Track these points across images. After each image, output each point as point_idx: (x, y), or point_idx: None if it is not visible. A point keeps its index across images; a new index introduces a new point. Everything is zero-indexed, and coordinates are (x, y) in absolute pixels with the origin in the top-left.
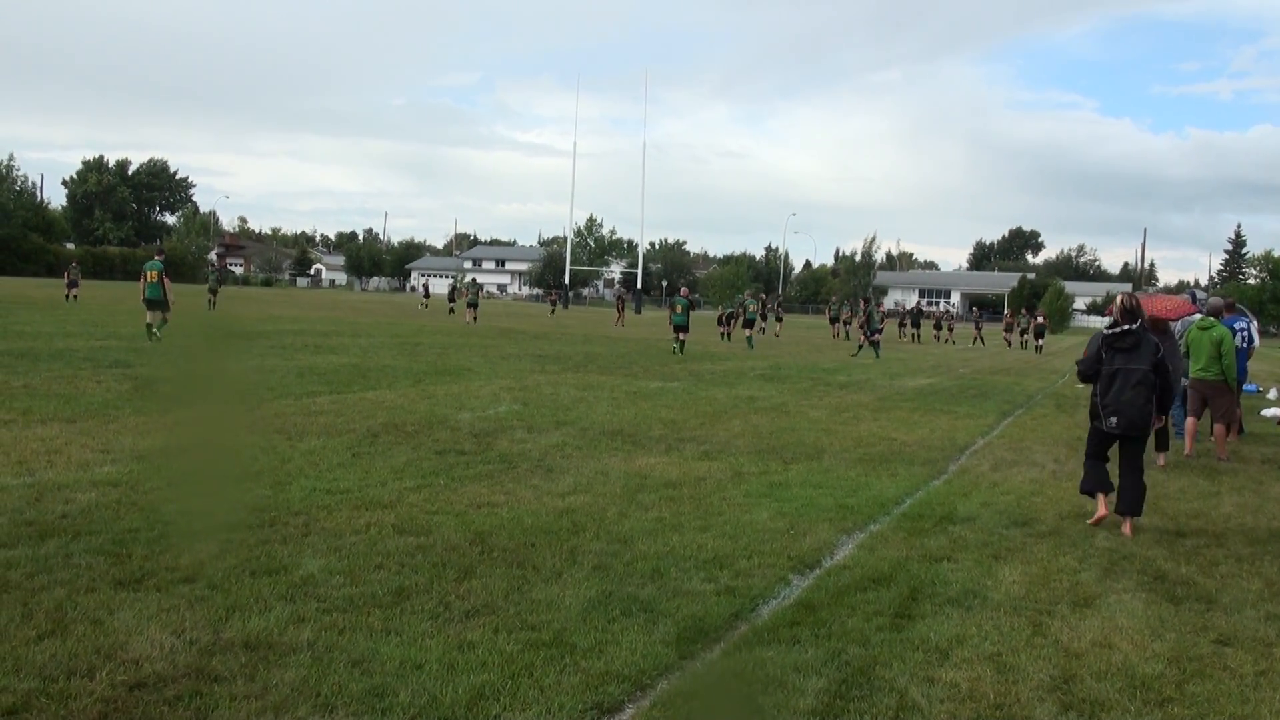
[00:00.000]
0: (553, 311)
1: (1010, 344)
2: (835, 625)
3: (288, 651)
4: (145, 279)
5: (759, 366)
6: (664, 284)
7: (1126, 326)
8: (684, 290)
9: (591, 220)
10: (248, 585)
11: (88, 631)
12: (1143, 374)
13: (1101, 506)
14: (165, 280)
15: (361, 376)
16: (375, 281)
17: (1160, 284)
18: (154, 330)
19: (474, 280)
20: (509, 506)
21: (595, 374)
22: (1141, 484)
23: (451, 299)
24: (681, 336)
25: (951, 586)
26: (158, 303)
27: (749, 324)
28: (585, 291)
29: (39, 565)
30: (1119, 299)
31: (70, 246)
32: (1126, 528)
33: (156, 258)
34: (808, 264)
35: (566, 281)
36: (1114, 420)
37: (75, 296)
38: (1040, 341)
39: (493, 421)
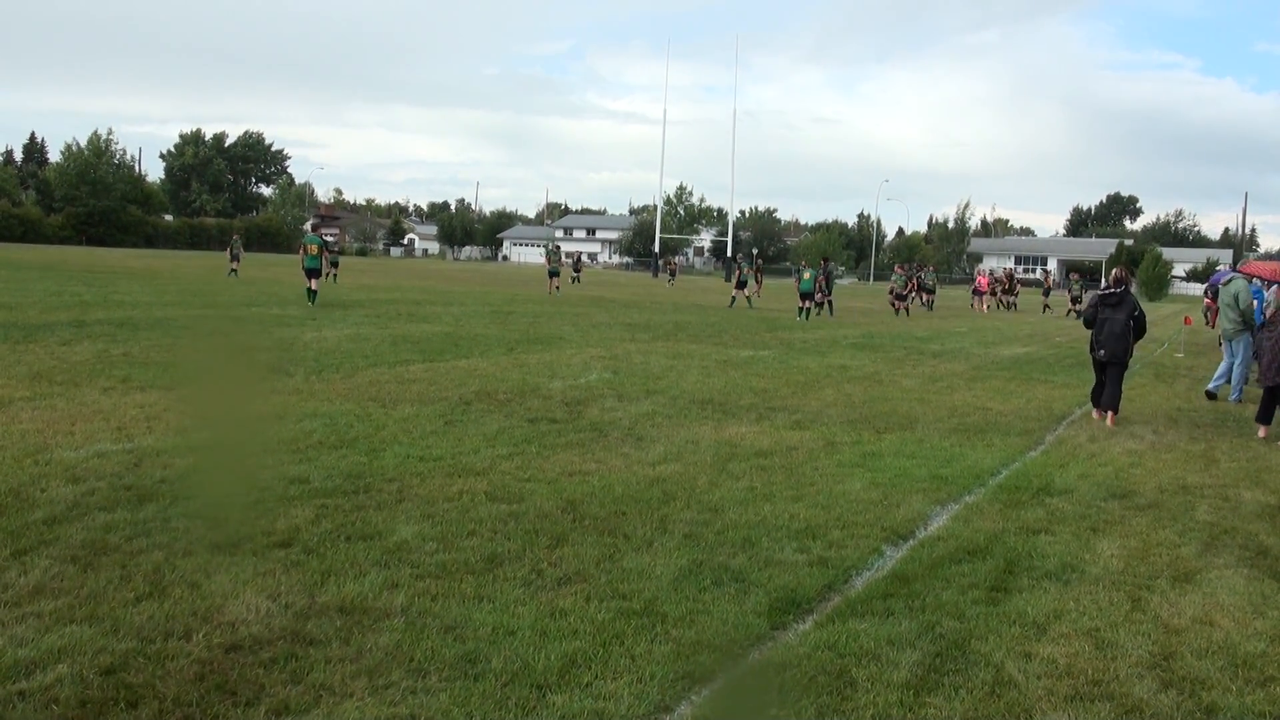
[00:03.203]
0: (671, 280)
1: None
2: (929, 598)
3: (381, 616)
4: (305, 251)
5: (851, 335)
6: (754, 252)
7: (1115, 290)
8: (821, 260)
9: (681, 188)
10: (342, 550)
11: (185, 594)
12: (1122, 322)
13: (1095, 413)
14: (324, 252)
15: (454, 345)
16: (468, 251)
17: (1261, 249)
18: (314, 295)
19: (557, 247)
20: (600, 475)
21: (685, 342)
22: (1118, 392)
23: (564, 272)
24: (807, 303)
25: (1048, 560)
26: (316, 272)
27: (900, 297)
28: (675, 259)
29: (138, 529)
30: (1114, 272)
31: (169, 219)
32: (1109, 419)
33: (314, 232)
34: (900, 231)
35: (656, 249)
36: (1101, 352)
37: (235, 272)
38: (1079, 307)
39: (584, 390)
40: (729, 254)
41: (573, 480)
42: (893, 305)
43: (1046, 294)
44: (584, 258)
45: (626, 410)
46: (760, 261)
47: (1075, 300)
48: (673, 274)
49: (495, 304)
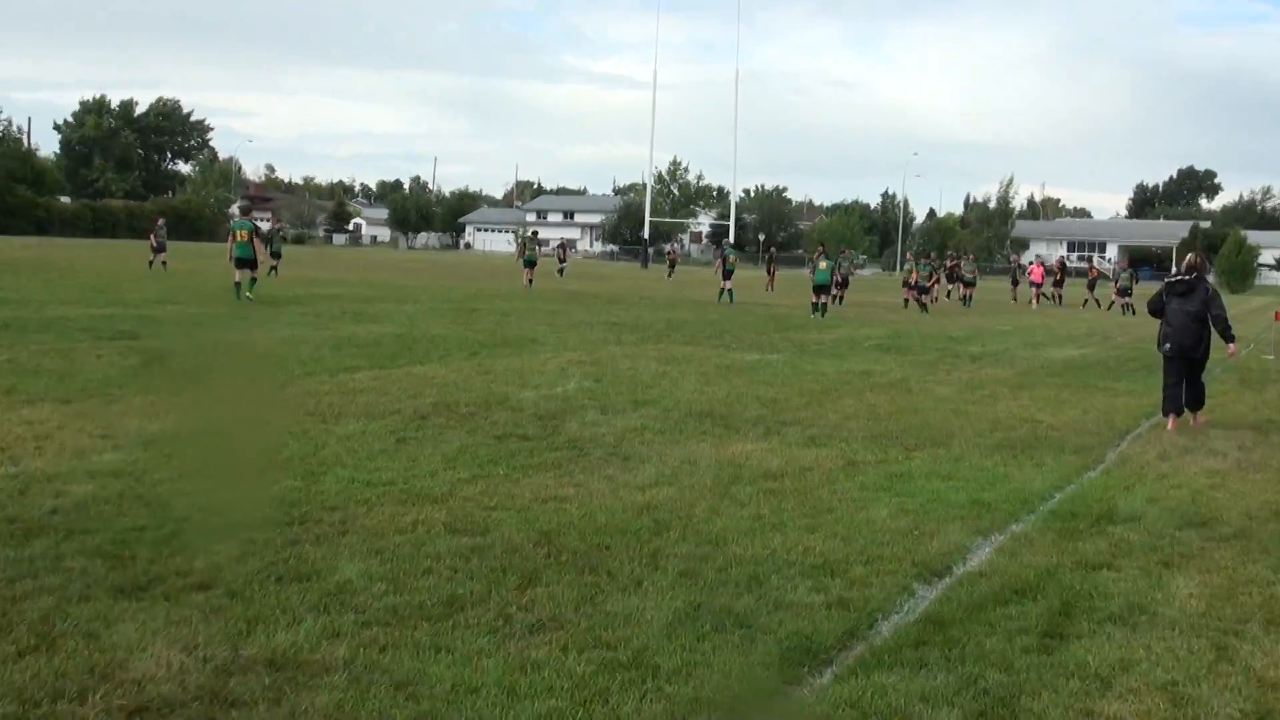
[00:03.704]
0: (670, 273)
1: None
2: (970, 646)
3: (320, 671)
4: (234, 238)
5: (875, 335)
6: (760, 237)
7: (1184, 277)
8: (841, 249)
9: (675, 164)
10: (273, 593)
11: (80, 647)
12: (1194, 313)
13: (1169, 423)
14: (256, 239)
15: (407, 349)
16: (424, 238)
17: None
18: (245, 291)
19: (534, 234)
20: (580, 501)
21: (680, 345)
22: (1201, 390)
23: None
24: (823, 298)
25: (1113, 600)
26: (248, 261)
27: (924, 290)
28: (674, 247)
29: (23, 569)
30: (1188, 258)
31: (65, 201)
32: (1196, 419)
33: (245, 217)
34: (932, 213)
35: (646, 235)
36: (1168, 346)
37: (164, 263)
38: (1127, 300)
39: (560, 401)
40: (727, 240)
41: (547, 508)
42: (905, 298)
43: (1092, 286)
44: (568, 245)
45: (611, 425)
46: (774, 250)
47: (1122, 293)
48: (672, 265)
49: (456, 300)
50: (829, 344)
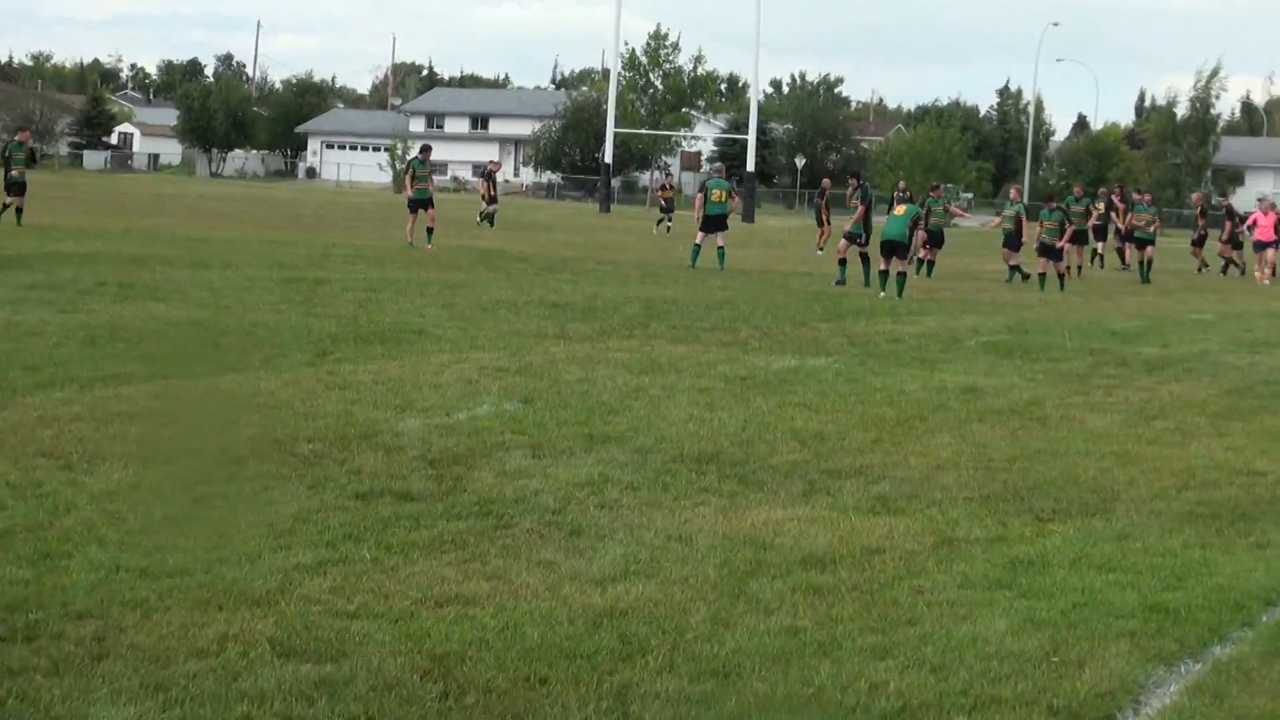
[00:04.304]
0: (666, 223)
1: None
2: None
3: None
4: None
5: (986, 327)
6: (797, 161)
7: None
8: (930, 189)
9: (658, 38)
10: None
11: None
12: None
13: None
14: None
15: (212, 345)
16: (239, 159)
17: None
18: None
19: (425, 153)
20: (498, 605)
21: (666, 341)
22: None
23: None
24: (898, 264)
25: None
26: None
27: (1050, 253)
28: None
29: None
30: None
31: None
32: None
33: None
34: (1081, 122)
35: (608, 158)
36: None
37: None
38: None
39: (466, 435)
40: (715, 164)
41: (443, 616)
42: (1011, 267)
43: (1237, 244)
44: (494, 175)
45: (550, 476)
46: (828, 185)
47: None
48: (667, 209)
49: (293, 264)
50: (910, 341)
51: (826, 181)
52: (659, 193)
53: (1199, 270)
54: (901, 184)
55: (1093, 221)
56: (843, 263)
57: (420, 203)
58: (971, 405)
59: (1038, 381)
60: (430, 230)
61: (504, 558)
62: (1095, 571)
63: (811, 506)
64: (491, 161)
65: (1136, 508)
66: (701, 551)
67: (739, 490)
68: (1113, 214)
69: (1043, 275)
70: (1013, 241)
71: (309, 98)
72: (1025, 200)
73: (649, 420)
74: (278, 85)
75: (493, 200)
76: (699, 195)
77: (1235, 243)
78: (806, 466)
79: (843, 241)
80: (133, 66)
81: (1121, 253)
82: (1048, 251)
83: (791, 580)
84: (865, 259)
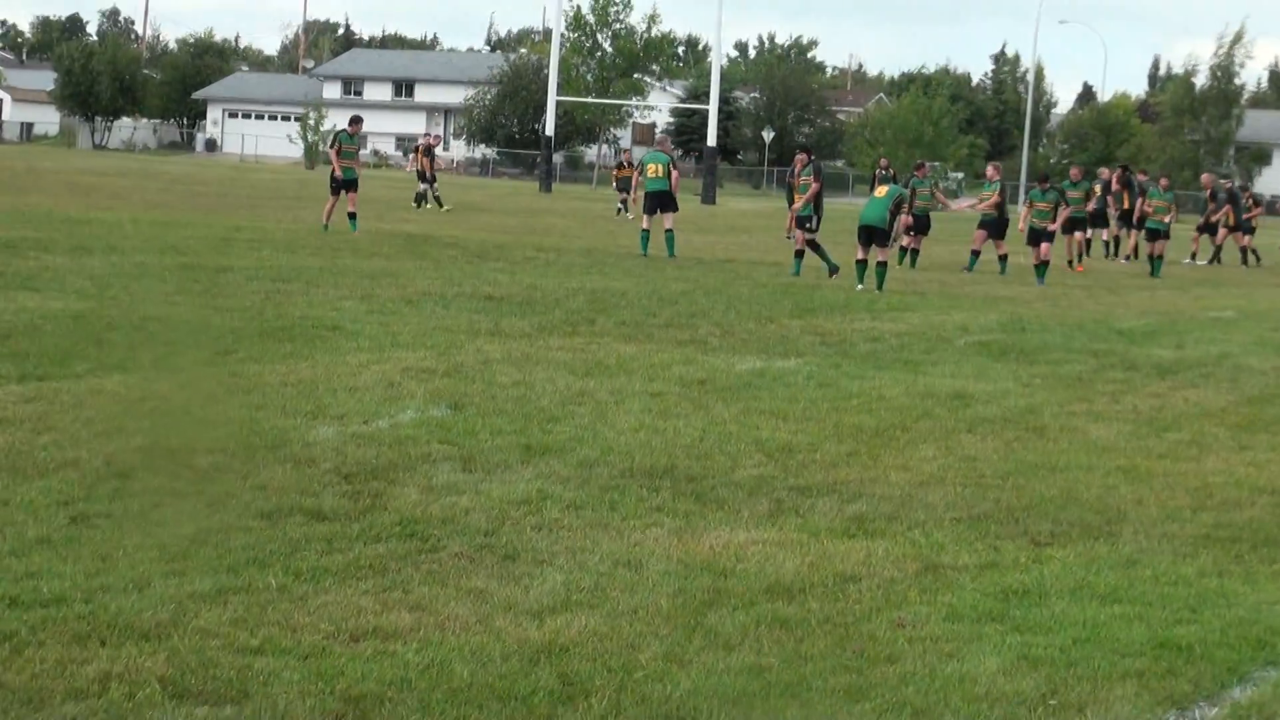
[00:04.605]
0: (625, 211)
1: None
2: None
3: None
4: None
5: (977, 324)
6: (765, 134)
7: None
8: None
9: None
10: None
11: None
12: None
13: None
14: None
15: (95, 342)
16: (127, 129)
17: None
18: None
19: (356, 125)
20: (423, 639)
21: (615, 339)
22: None
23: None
24: (878, 252)
25: None
26: None
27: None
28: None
29: None
30: None
31: None
32: None
33: None
34: (1087, 92)
35: (549, 130)
36: None
37: None
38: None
39: (387, 445)
40: (663, 135)
41: (359, 652)
42: (1000, 257)
43: (1249, 229)
44: (431, 150)
45: (482, 492)
46: (808, 159)
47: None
48: (626, 188)
49: (189, 249)
50: (891, 341)
51: (800, 157)
52: (616, 172)
53: (1191, 259)
54: (883, 161)
55: (1091, 206)
56: (799, 254)
57: (347, 183)
58: (960, 413)
59: (1035, 387)
60: (353, 215)
61: (429, 585)
62: (1098, 603)
63: (778, 528)
64: (431, 135)
65: (1146, 530)
66: (653, 579)
67: (696, 509)
68: (1109, 198)
69: (1040, 265)
70: (992, 226)
71: (208, 59)
72: (1024, 180)
73: (594, 429)
74: (172, 45)
75: (432, 179)
76: (635, 173)
77: (1245, 228)
78: (773, 482)
79: (798, 232)
80: (2, 23)
81: (1117, 241)
82: (1037, 236)
83: (755, 612)
84: (815, 246)
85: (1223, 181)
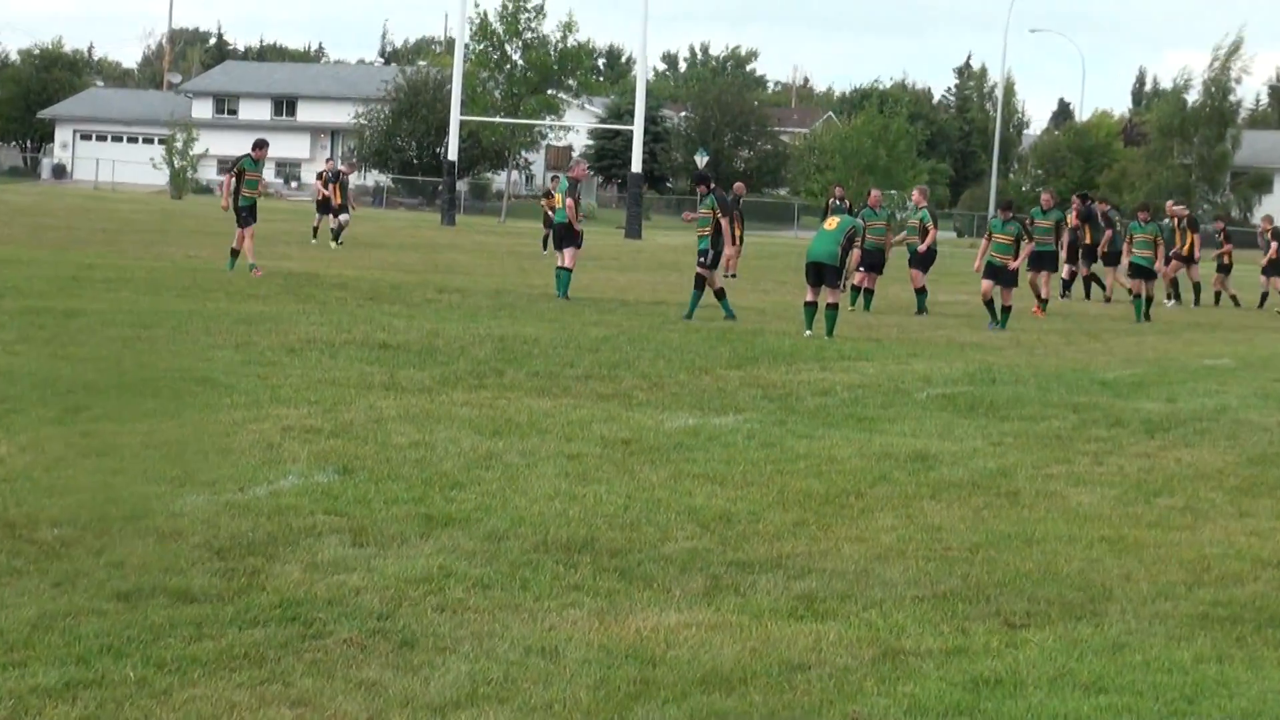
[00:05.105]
0: (547, 244)
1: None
2: None
3: None
4: None
5: (943, 374)
6: (698, 159)
7: None
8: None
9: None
10: None
11: None
12: None
13: None
14: None
15: None
16: None
17: None
18: None
19: (260, 151)
20: None
21: (528, 394)
22: None
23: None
24: (828, 294)
25: None
26: None
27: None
28: (500, 179)
29: None
30: None
31: None
32: None
33: None
34: (1064, 110)
35: (451, 156)
36: None
37: None
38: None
39: (267, 516)
40: (577, 159)
41: None
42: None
43: (1224, 269)
44: (342, 170)
45: (376, 568)
46: (742, 190)
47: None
48: (550, 234)
49: (33, 290)
50: (843, 394)
51: (739, 187)
52: (544, 202)
53: (1167, 297)
54: (837, 190)
55: (1064, 239)
56: (720, 293)
57: (247, 212)
58: (922, 477)
59: (1007, 446)
60: (236, 252)
61: (314, 677)
62: (1082, 693)
63: (715, 609)
64: (346, 163)
65: (1135, 610)
66: (571, 668)
67: (620, 588)
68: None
69: (1005, 309)
70: (919, 260)
71: (57, 73)
72: (991, 211)
73: (504, 496)
74: (14, 56)
75: (341, 210)
76: (543, 201)
77: (1221, 267)
78: (708, 557)
79: (715, 274)
80: None
81: (1082, 280)
82: (997, 274)
83: (688, 705)
84: (700, 283)
85: (1177, 208)
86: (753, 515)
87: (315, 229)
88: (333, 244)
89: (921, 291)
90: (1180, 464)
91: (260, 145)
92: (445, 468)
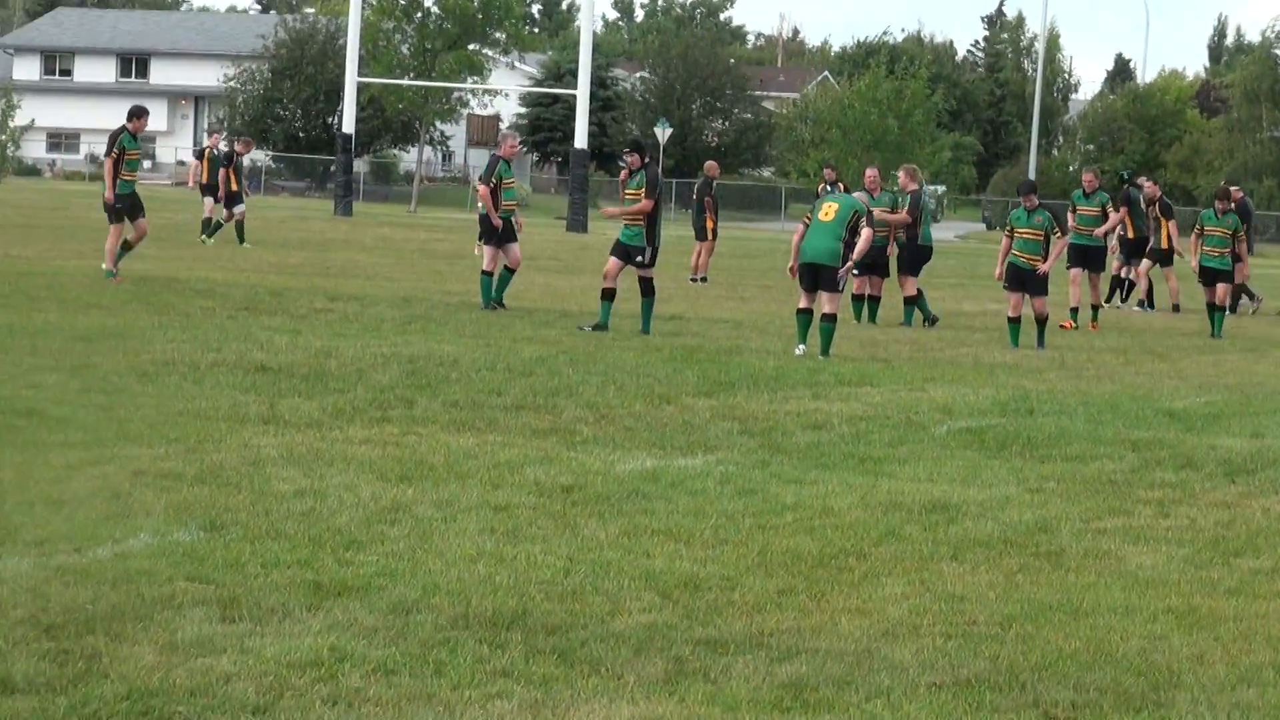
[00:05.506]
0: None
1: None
2: None
3: None
4: None
5: (967, 402)
6: (659, 131)
7: None
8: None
9: None
10: None
11: None
12: None
13: None
14: None
15: None
16: None
17: None
18: None
19: (138, 120)
20: None
21: (443, 428)
22: None
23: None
24: (824, 302)
25: None
26: None
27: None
28: (410, 157)
29: None
30: None
31: None
32: None
33: None
34: (1122, 70)
35: (347, 128)
36: None
37: None
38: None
39: (112, 584)
40: (508, 131)
41: None
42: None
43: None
44: (238, 150)
45: (252, 649)
46: (714, 170)
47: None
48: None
49: None
50: (841, 428)
51: (711, 167)
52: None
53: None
54: (828, 172)
55: (1105, 229)
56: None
57: (134, 202)
58: (941, 533)
59: (1048, 493)
60: (129, 245)
61: None
62: None
63: (679, 699)
64: (241, 141)
65: (1209, 699)
66: None
67: (559, 673)
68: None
69: (1041, 321)
70: (906, 262)
71: None
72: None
73: (413, 559)
74: None
75: (236, 200)
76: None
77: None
78: (671, 634)
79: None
80: None
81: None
82: (1024, 281)
83: None
84: (608, 294)
85: (1147, 186)
86: (727, 582)
87: (206, 222)
88: (203, 237)
89: (911, 301)
90: (1268, 515)
91: (138, 114)
92: (339, 522)
